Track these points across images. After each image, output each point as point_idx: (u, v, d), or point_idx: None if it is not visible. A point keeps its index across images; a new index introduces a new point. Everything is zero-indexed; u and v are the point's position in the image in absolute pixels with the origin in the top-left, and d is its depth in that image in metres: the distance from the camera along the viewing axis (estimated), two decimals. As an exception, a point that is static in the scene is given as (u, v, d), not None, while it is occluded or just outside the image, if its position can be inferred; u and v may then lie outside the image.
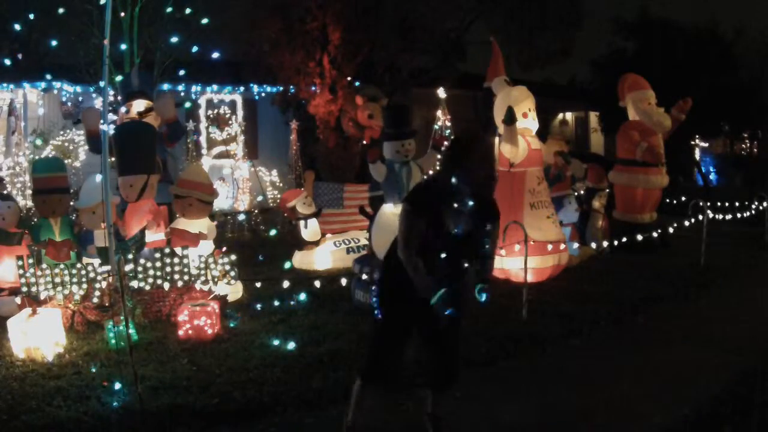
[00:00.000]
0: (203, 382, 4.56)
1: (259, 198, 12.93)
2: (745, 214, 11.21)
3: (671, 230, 9.63)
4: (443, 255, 3.43)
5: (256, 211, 12.10)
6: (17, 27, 10.72)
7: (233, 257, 6.09)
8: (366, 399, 3.65)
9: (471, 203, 3.40)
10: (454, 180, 3.41)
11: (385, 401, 3.81)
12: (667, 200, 11.01)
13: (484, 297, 3.47)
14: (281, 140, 14.95)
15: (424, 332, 3.62)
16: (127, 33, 11.60)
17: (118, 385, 4.38)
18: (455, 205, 3.40)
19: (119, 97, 8.75)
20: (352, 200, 8.87)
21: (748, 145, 26.61)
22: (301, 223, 8.66)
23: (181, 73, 11.78)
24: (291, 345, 5.25)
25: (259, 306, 6.37)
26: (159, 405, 4.17)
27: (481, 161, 3.41)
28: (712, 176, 23.26)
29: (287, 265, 8.11)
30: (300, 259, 8.61)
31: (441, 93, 12.82)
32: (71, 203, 7.47)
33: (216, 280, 6.03)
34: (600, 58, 20.60)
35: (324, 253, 8.66)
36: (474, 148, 3.44)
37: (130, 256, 5.86)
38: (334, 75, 13.11)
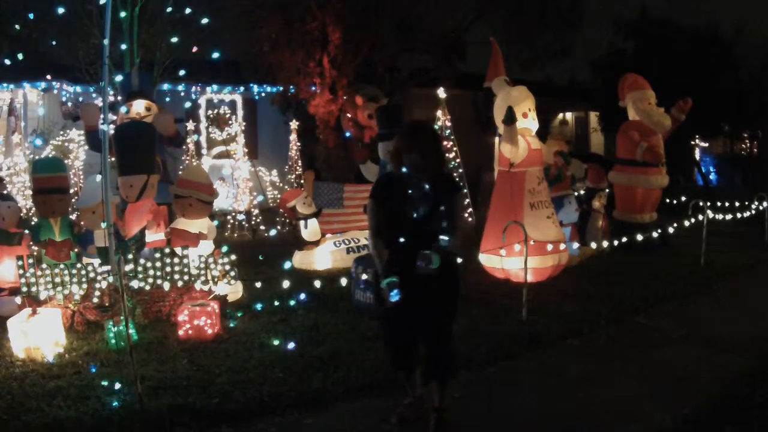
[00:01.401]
0: (203, 382, 4.56)
1: (259, 198, 12.91)
2: (745, 214, 11.20)
3: (671, 230, 9.63)
4: (402, 239, 3.66)
5: (256, 211, 12.09)
6: (17, 27, 10.71)
7: (233, 257, 6.09)
8: (410, 381, 3.97)
9: (427, 187, 3.66)
10: (404, 170, 3.73)
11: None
12: (667, 200, 11.00)
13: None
14: (281, 140, 14.93)
15: (418, 321, 3.74)
16: (127, 33, 11.59)
17: (118, 385, 4.38)
18: (410, 191, 3.67)
19: (119, 97, 8.75)
20: (352, 200, 8.87)
21: (748, 145, 26.62)
22: (301, 223, 8.66)
23: (181, 73, 11.77)
24: (291, 345, 5.25)
25: (259, 306, 6.37)
26: (159, 405, 4.17)
27: (422, 149, 3.67)
28: (712, 176, 23.24)
29: (287, 265, 8.11)
30: (300, 259, 8.61)
31: (441, 93, 12.81)
32: (71, 203, 7.48)
33: (216, 280, 6.03)
34: (600, 58, 20.60)
35: (324, 253, 8.65)
36: (413, 138, 3.73)
37: (130, 256, 5.87)
38: (334, 75, 13.10)
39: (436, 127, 12.89)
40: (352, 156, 9.93)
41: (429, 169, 3.70)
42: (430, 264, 3.55)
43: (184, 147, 12.72)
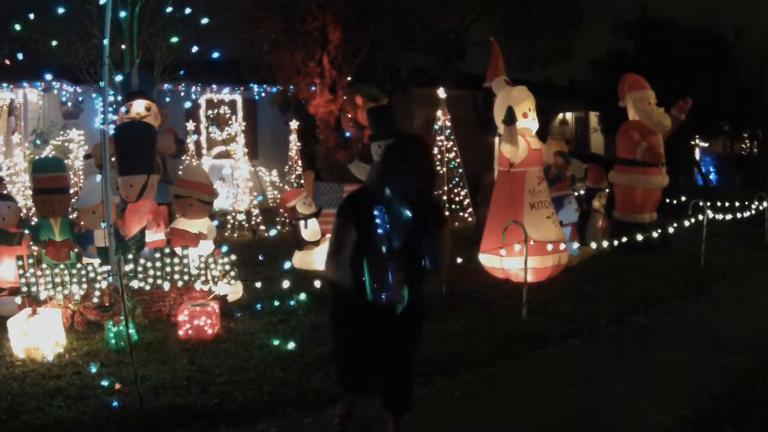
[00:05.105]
0: (203, 382, 4.56)
1: (259, 198, 12.92)
2: (745, 214, 11.19)
3: (671, 230, 9.63)
4: (378, 260, 3.21)
5: (256, 211, 12.09)
6: (17, 27, 10.72)
7: (233, 257, 6.09)
8: (351, 408, 3.54)
9: (408, 213, 3.21)
10: (387, 191, 3.21)
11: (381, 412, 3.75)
12: (667, 200, 11.01)
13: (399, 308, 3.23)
14: (281, 140, 14.94)
15: (377, 344, 3.39)
16: (127, 33, 11.59)
17: (118, 385, 4.38)
18: (386, 218, 3.19)
19: (119, 97, 8.76)
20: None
21: (748, 145, 26.63)
22: (301, 223, 8.66)
23: (181, 73, 11.77)
24: (291, 345, 5.25)
25: (259, 306, 6.37)
26: (159, 405, 4.17)
27: (416, 170, 3.18)
28: (712, 176, 23.25)
29: (287, 265, 8.11)
30: (300, 259, 8.61)
31: (441, 93, 12.83)
32: (71, 203, 7.48)
33: (216, 280, 6.03)
34: (600, 58, 20.61)
35: (324, 253, 8.63)
36: (406, 157, 3.20)
37: (130, 256, 5.87)
38: (334, 75, 13.11)
39: (436, 127, 12.92)
40: (335, 156, 9.92)
41: (417, 194, 3.21)
42: (397, 300, 3.17)
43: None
